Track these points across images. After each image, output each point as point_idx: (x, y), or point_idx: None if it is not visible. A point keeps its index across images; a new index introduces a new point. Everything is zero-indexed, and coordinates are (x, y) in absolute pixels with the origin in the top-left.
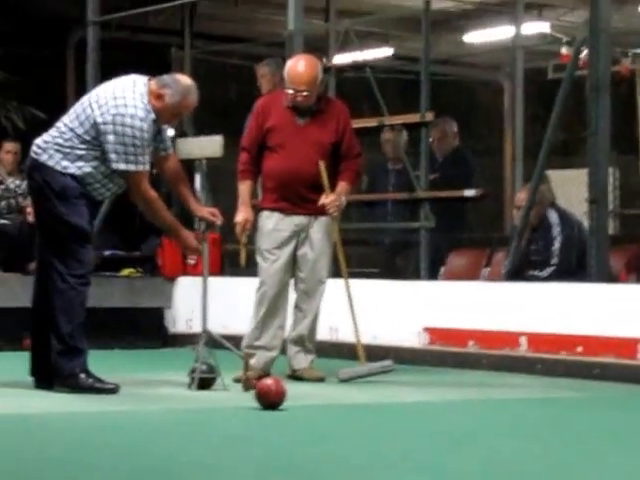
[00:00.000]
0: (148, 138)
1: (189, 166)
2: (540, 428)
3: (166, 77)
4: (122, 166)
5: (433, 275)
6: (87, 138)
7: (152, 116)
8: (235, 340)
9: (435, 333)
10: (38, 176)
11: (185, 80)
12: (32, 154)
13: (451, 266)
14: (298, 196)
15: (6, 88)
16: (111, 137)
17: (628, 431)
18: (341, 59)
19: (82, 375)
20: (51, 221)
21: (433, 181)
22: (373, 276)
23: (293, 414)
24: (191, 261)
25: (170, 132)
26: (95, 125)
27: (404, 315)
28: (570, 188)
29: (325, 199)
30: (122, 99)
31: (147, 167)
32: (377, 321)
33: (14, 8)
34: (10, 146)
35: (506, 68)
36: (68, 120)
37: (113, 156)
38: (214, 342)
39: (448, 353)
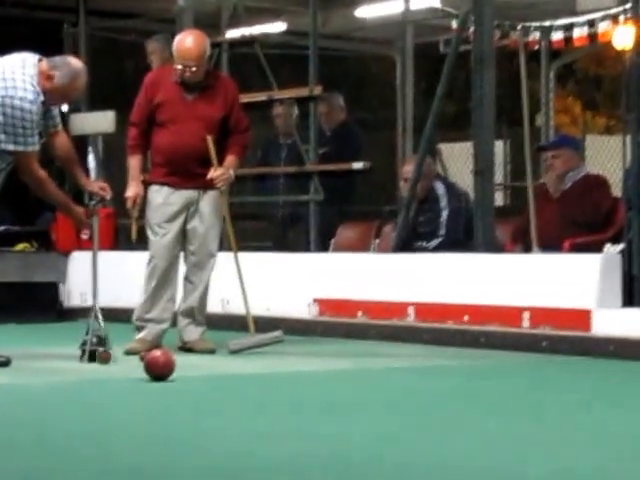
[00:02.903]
0: (37, 120)
1: (82, 141)
2: (422, 396)
3: (57, 59)
4: (11, 147)
5: (324, 247)
6: None
7: (41, 98)
8: (127, 313)
9: (325, 304)
10: None
11: (76, 63)
12: None
13: (340, 238)
14: (187, 171)
15: None
16: (0, 118)
17: (506, 397)
18: (234, 34)
19: None
20: None
21: (323, 155)
22: (266, 249)
23: (182, 385)
24: (84, 235)
25: (64, 107)
26: None
27: (294, 287)
28: (461, 161)
29: (213, 173)
30: (12, 81)
31: (36, 147)
32: (269, 293)
33: None
34: None
35: (398, 42)
36: None
37: (2, 137)
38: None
39: (337, 324)
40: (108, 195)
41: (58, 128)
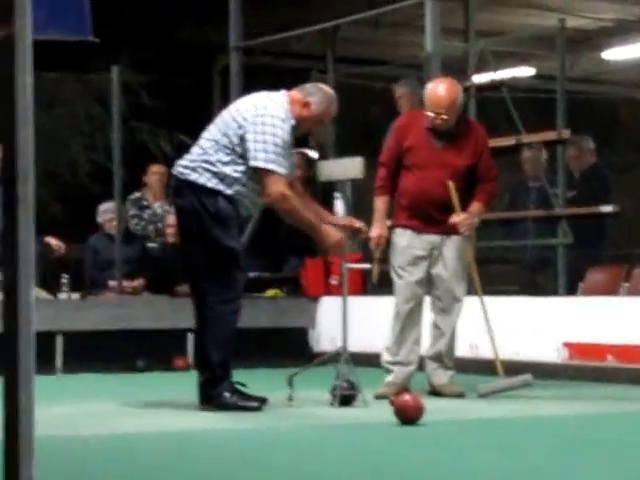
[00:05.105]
0: (288, 141)
1: (330, 187)
2: None
3: (308, 86)
4: (261, 164)
5: (573, 291)
6: (231, 147)
7: (292, 122)
8: (377, 357)
9: (574, 348)
10: (191, 196)
11: (327, 89)
12: (178, 175)
13: (590, 282)
14: (429, 216)
15: (155, 115)
16: (251, 136)
17: None
18: (481, 79)
19: (227, 394)
20: (204, 244)
21: (571, 198)
22: (513, 293)
23: (431, 429)
24: (333, 281)
25: (314, 154)
26: (237, 131)
27: (543, 331)
28: None
29: (456, 218)
30: (263, 106)
31: (285, 171)
32: (517, 337)
33: (162, 36)
34: (156, 168)
35: None
36: (209, 135)
37: (252, 154)
38: (355, 359)
39: (587, 367)
40: (358, 223)
41: (294, 175)
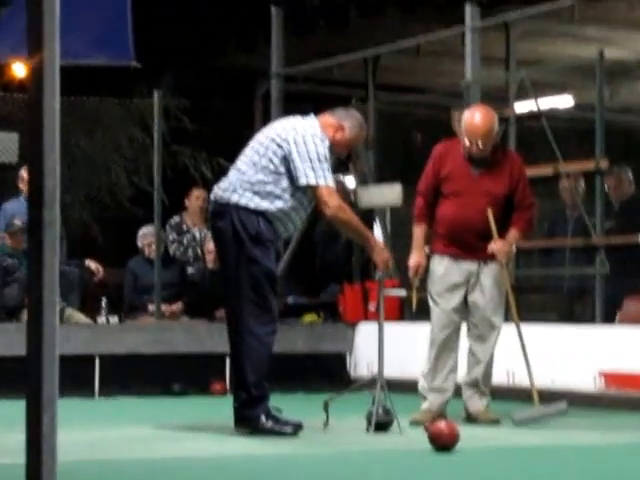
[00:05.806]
0: (329, 159)
1: (370, 215)
2: None
3: (340, 110)
4: (312, 181)
5: (610, 320)
6: (272, 167)
7: (327, 142)
8: (414, 384)
9: (611, 377)
10: (232, 217)
11: (358, 114)
12: (217, 199)
13: (627, 311)
14: (467, 244)
15: (196, 139)
16: (296, 156)
17: None
18: (521, 108)
19: (262, 417)
20: (243, 264)
21: (609, 228)
22: (551, 321)
23: (466, 456)
24: (371, 307)
25: (351, 182)
26: (277, 151)
27: (580, 359)
28: None
29: (494, 245)
30: (302, 127)
31: (332, 183)
32: (554, 365)
33: (204, 61)
34: (199, 192)
35: None
36: (246, 159)
37: (302, 172)
38: (391, 386)
39: (623, 397)
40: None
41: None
